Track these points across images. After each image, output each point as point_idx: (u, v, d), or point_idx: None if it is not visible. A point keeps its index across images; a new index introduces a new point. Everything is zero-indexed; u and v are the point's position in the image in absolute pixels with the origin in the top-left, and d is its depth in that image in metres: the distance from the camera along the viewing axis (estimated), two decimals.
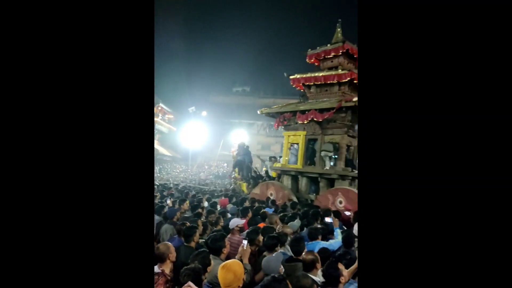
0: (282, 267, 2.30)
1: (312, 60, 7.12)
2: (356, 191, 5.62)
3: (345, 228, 4.09)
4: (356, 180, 6.43)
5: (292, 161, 6.94)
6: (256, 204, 5.49)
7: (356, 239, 3.17)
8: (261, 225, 3.57)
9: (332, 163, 6.31)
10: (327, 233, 3.62)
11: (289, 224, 3.70)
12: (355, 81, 6.50)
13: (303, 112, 6.60)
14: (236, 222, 3.39)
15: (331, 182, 6.30)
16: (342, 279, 2.03)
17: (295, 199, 6.26)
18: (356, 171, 6.25)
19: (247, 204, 5.70)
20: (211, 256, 2.33)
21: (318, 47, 6.98)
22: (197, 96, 26.65)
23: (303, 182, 6.82)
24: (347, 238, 3.16)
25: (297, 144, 6.87)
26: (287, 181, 7.03)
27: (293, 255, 2.62)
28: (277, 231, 3.31)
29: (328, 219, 3.91)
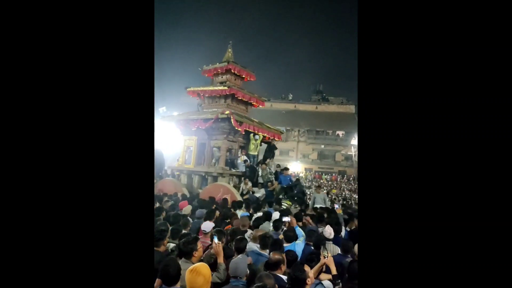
0: (247, 270, 2.26)
1: (207, 75, 8.39)
2: (225, 185, 6.92)
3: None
4: (234, 177, 7.74)
5: (188, 162, 8.20)
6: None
7: (326, 241, 3.28)
8: (228, 227, 3.63)
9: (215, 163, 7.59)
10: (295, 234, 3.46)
11: (260, 227, 3.70)
12: (236, 96, 7.79)
13: (193, 120, 7.85)
14: (210, 225, 3.35)
15: (215, 179, 7.57)
16: (308, 281, 2.02)
17: (186, 193, 7.50)
18: (234, 170, 7.55)
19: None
20: (182, 260, 2.32)
21: (210, 64, 8.25)
22: (168, 97, 27.62)
23: (195, 179, 8.09)
24: (317, 241, 3.15)
25: (192, 147, 8.14)
26: (184, 178, 8.29)
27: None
28: (249, 234, 3.34)
29: (285, 218, 3.82)
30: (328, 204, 7.27)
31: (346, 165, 31.18)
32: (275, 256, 2.31)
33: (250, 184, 7.44)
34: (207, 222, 3.50)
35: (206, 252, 2.75)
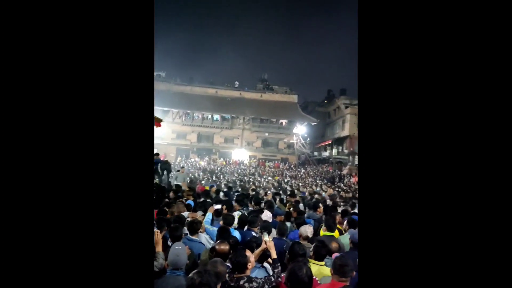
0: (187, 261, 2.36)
1: None
2: None
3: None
4: None
5: None
6: None
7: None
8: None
9: None
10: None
11: (198, 212, 3.93)
12: None
13: None
14: None
15: None
16: (249, 265, 2.11)
17: None
18: None
19: None
20: None
21: None
22: None
23: None
24: (264, 227, 3.27)
25: None
26: None
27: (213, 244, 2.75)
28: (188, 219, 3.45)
29: (217, 206, 4.17)
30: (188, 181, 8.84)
31: (288, 152, 32.64)
32: (222, 246, 2.52)
33: None
34: None
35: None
